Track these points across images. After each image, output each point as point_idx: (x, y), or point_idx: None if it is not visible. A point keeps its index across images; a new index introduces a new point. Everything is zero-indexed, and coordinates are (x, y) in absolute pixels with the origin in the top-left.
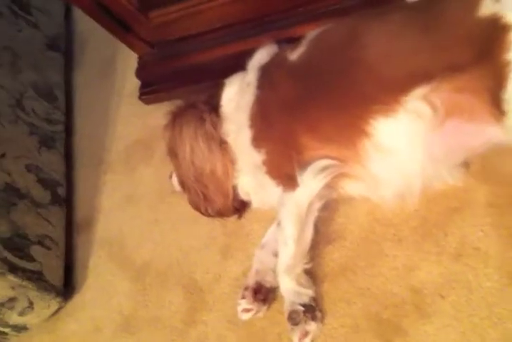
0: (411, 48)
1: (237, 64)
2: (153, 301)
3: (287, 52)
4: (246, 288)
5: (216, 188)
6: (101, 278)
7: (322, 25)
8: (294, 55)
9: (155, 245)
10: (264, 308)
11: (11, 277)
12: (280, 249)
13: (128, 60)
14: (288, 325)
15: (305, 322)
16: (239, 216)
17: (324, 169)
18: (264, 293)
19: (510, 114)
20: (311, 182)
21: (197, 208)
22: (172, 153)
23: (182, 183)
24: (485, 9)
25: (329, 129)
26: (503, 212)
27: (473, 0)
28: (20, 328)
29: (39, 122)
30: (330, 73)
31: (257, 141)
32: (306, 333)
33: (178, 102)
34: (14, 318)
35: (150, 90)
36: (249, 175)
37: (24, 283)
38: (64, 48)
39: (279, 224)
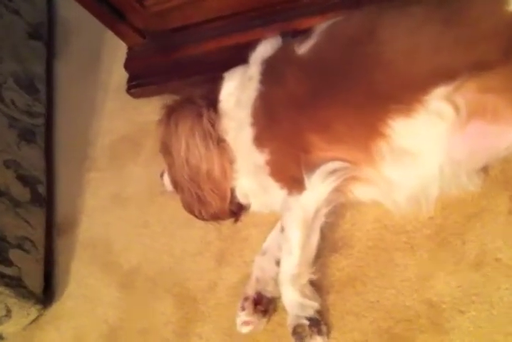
0: (433, 43)
1: (236, 57)
2: (142, 310)
3: (294, 45)
4: (246, 299)
5: (212, 189)
6: (84, 284)
7: (330, 17)
8: (303, 48)
9: (144, 249)
10: (265, 320)
11: None
12: (284, 256)
13: (116, 50)
14: (292, 340)
15: (311, 337)
16: (236, 220)
17: (334, 171)
18: (265, 304)
19: None
20: (319, 186)
21: (190, 210)
22: (166, 150)
23: (174, 183)
24: None
25: (341, 129)
26: None
27: None
28: None
29: (19, 115)
30: (344, 69)
31: (260, 140)
32: None
33: (173, 97)
34: None
35: (139, 83)
36: (249, 176)
37: (1, 289)
38: (47, 36)
39: (283, 230)
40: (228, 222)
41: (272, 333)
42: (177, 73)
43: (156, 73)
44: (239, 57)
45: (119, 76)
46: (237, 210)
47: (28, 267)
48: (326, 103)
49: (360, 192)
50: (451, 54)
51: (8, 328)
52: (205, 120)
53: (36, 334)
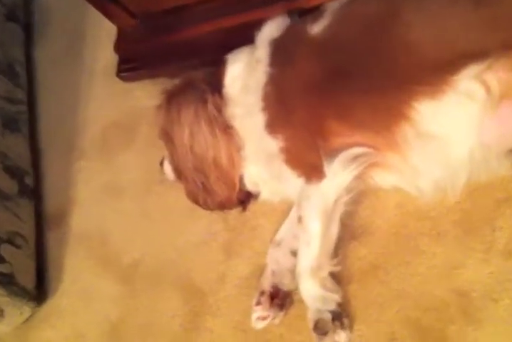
0: (463, 23)
1: (235, 39)
2: (145, 304)
3: (305, 25)
4: (262, 293)
5: (219, 178)
6: (80, 279)
7: None
8: (316, 28)
9: (143, 241)
10: (282, 313)
11: None
12: (302, 248)
13: (100, 32)
14: (314, 335)
15: (334, 331)
16: (244, 209)
17: (356, 158)
18: (281, 298)
19: None
20: (340, 173)
21: (194, 199)
22: (167, 138)
23: (177, 172)
24: None
25: (363, 113)
26: None
27: None
28: None
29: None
30: (365, 50)
31: (273, 126)
32: None
33: (169, 81)
34: None
35: (131, 66)
36: (259, 164)
37: None
38: (24, 18)
39: (300, 220)
40: (234, 211)
41: (289, 326)
42: (172, 55)
43: (149, 55)
44: (239, 39)
45: (105, 59)
46: (244, 199)
47: (20, 263)
48: (347, 87)
49: (381, 178)
50: (482, 33)
51: (1, 327)
52: (210, 106)
53: (31, 333)
